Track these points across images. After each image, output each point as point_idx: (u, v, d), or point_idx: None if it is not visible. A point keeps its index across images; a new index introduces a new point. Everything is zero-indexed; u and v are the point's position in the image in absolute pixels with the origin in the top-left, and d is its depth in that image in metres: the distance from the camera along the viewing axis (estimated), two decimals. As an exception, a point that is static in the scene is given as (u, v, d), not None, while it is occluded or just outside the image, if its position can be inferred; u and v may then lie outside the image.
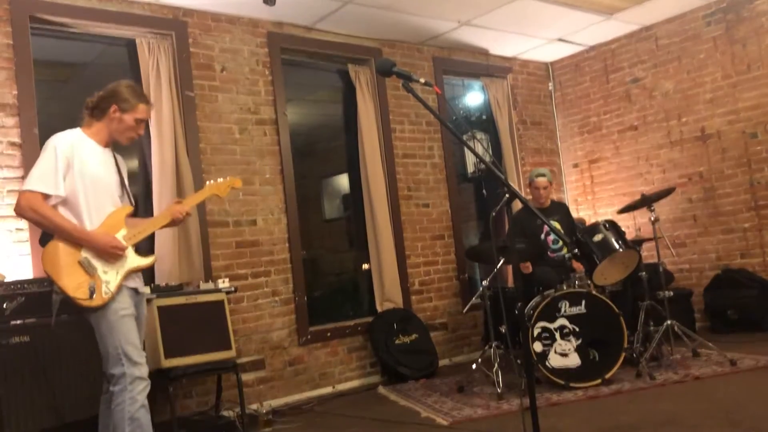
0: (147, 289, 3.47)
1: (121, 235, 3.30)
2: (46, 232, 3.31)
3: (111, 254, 3.22)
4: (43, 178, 3.16)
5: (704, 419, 3.75)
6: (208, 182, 3.75)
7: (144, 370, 3.20)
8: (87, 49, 5.27)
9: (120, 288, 3.23)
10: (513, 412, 4.34)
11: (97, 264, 3.20)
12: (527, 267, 5.50)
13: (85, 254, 3.18)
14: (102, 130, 3.39)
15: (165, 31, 5.30)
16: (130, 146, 5.36)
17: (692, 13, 6.90)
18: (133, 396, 3.13)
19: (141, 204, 5.25)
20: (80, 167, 3.24)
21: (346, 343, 5.97)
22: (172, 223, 3.52)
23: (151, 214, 5.04)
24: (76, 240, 3.17)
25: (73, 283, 3.11)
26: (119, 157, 3.56)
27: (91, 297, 3.11)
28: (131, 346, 3.18)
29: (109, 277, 3.21)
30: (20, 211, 3.16)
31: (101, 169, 3.34)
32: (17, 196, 3.20)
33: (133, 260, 3.33)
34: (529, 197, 6.19)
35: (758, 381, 4.52)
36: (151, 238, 5.04)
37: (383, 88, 6.59)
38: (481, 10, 6.25)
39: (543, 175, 5.86)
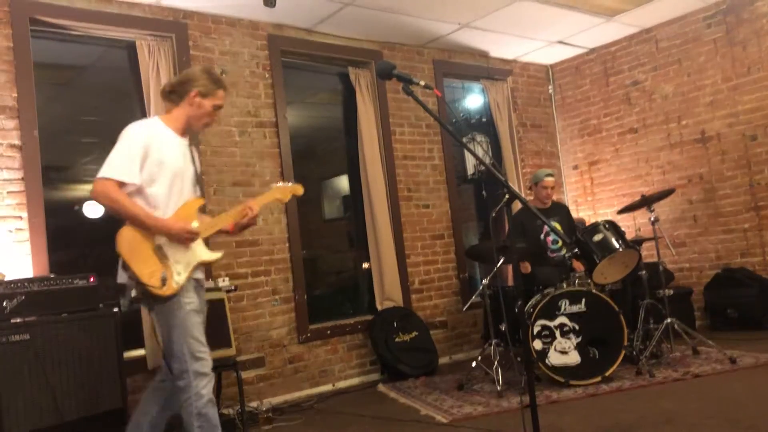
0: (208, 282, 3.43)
1: (193, 225, 3.25)
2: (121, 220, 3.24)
3: (184, 240, 3.18)
4: (120, 165, 3.13)
5: (704, 417, 3.75)
6: (273, 185, 3.70)
7: (207, 365, 3.17)
8: (87, 52, 5.30)
9: (188, 280, 3.19)
10: (513, 410, 4.34)
11: (170, 253, 3.17)
12: (526, 267, 5.51)
13: (158, 242, 3.15)
14: (180, 117, 3.35)
15: (165, 34, 5.33)
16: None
17: (692, 15, 6.92)
18: (198, 392, 3.10)
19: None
20: (158, 156, 3.20)
21: (346, 341, 5.98)
22: (239, 223, 3.48)
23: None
24: (150, 227, 3.13)
25: (147, 270, 3.08)
26: (194, 149, 3.53)
27: (163, 285, 3.08)
28: (195, 342, 3.15)
29: (180, 267, 3.18)
30: (96, 197, 3.13)
31: (178, 159, 3.30)
32: (93, 183, 3.15)
33: (203, 253, 3.30)
34: (530, 198, 6.21)
35: (758, 379, 4.52)
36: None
37: (383, 91, 6.61)
38: (482, 12, 6.27)
39: (551, 174, 5.93)
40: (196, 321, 3.20)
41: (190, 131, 3.44)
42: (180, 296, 3.14)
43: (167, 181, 3.23)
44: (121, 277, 3.17)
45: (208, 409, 3.12)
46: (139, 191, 3.18)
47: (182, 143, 3.36)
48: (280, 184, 3.70)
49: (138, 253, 3.10)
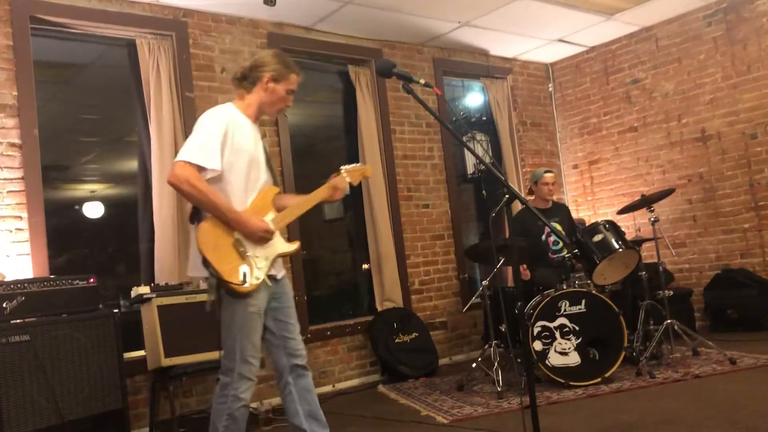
0: (284, 271, 3.28)
1: (269, 218, 3.15)
2: (198, 208, 3.07)
3: (261, 239, 3.08)
4: (201, 149, 2.97)
5: (704, 418, 3.75)
6: (342, 168, 3.52)
7: (253, 371, 3.09)
8: (87, 50, 5.29)
9: (266, 274, 3.10)
10: (513, 411, 4.35)
11: (249, 247, 3.05)
12: (526, 274, 5.50)
13: (238, 235, 3.03)
14: (253, 103, 3.23)
15: (165, 32, 5.31)
16: (129, 146, 5.43)
17: (692, 14, 6.91)
18: (237, 394, 3.03)
19: (141, 204, 5.27)
20: (236, 143, 3.08)
21: (346, 342, 5.98)
22: (329, 199, 3.39)
23: (150, 215, 5.06)
24: (229, 221, 2.99)
25: (228, 267, 2.96)
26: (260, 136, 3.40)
27: (244, 282, 2.97)
28: (250, 345, 3.06)
29: (260, 262, 3.07)
30: (175, 181, 2.93)
31: (253, 146, 3.18)
32: (172, 166, 2.98)
33: (281, 246, 3.20)
34: (530, 198, 6.19)
35: (758, 380, 4.51)
36: (151, 232, 5.07)
37: (383, 90, 6.60)
38: (482, 10, 6.26)
39: (550, 171, 5.96)
40: (257, 325, 3.10)
41: (261, 117, 3.32)
42: (248, 298, 3.03)
43: (245, 168, 3.11)
44: (195, 271, 3.07)
45: (240, 414, 3.06)
46: (217, 179, 3.03)
47: (254, 129, 3.25)
48: (348, 166, 3.54)
49: (219, 248, 2.97)
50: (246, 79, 3.22)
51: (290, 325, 3.27)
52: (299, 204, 3.33)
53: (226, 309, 3.05)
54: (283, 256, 3.24)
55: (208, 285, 3.02)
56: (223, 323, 3.08)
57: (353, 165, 3.57)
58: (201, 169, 2.96)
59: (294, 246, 3.28)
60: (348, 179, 3.50)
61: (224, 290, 3.00)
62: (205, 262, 2.94)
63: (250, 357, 3.07)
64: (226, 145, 3.03)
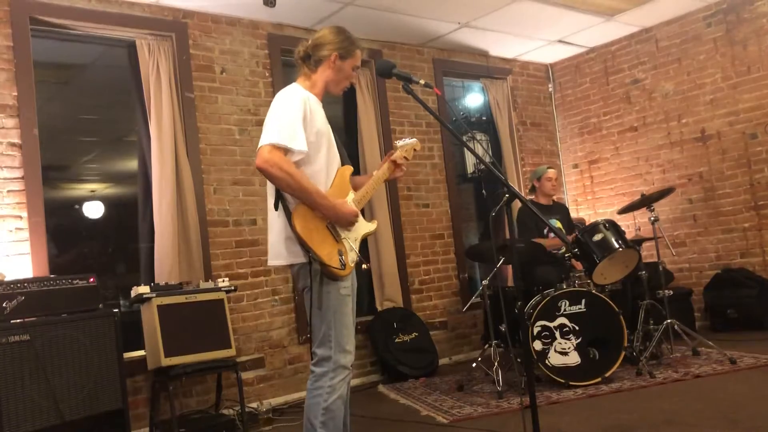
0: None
1: (350, 198, 3.06)
2: (281, 193, 2.95)
3: (350, 224, 2.99)
4: (285, 131, 2.85)
5: (704, 417, 3.75)
6: (396, 143, 3.36)
7: (350, 359, 2.96)
8: (87, 51, 5.29)
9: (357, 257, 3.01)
10: (513, 411, 4.35)
11: (340, 229, 2.97)
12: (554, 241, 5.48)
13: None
14: (319, 82, 3.10)
15: (165, 33, 5.32)
16: (129, 146, 5.44)
17: (692, 15, 6.91)
18: (333, 384, 2.89)
19: (141, 204, 5.27)
20: (315, 123, 2.97)
21: (346, 342, 5.97)
22: (392, 176, 3.28)
23: (150, 215, 5.07)
24: (318, 206, 2.88)
25: (326, 251, 2.87)
26: None
27: (342, 267, 2.89)
28: (346, 330, 2.95)
29: (350, 244, 2.99)
30: (266, 166, 2.80)
31: (326, 127, 3.07)
32: (258, 150, 2.84)
33: (364, 226, 3.12)
34: (531, 197, 6.20)
35: (758, 379, 4.51)
36: (151, 232, 5.08)
37: (383, 90, 6.60)
38: (481, 11, 6.26)
39: (553, 167, 5.99)
40: (350, 309, 3.00)
41: (323, 95, 3.17)
42: (341, 279, 2.94)
43: (325, 150, 3.02)
44: (278, 259, 2.99)
45: (337, 407, 2.90)
46: (301, 161, 2.92)
47: (321, 107, 3.11)
48: (401, 142, 3.38)
49: (315, 233, 2.88)
50: (310, 58, 3.12)
51: (349, 316, 3.09)
52: (372, 183, 3.23)
53: (319, 294, 2.92)
54: (367, 235, 3.16)
55: (300, 272, 2.97)
56: (314, 310, 2.94)
57: (405, 140, 3.43)
58: (287, 151, 2.85)
59: (374, 224, 3.21)
60: (404, 154, 3.35)
61: (323, 275, 2.89)
62: (306, 248, 2.85)
63: (347, 344, 2.96)
64: (307, 126, 2.93)
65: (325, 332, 2.91)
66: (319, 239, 2.88)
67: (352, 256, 2.98)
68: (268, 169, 2.80)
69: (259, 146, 2.86)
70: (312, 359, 2.97)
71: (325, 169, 3.01)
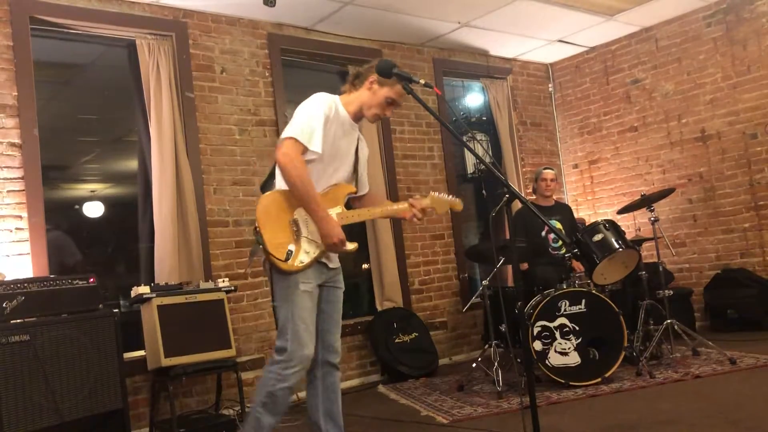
0: (338, 263, 3.18)
1: (335, 212, 3.13)
2: (271, 180, 3.12)
3: (332, 246, 3.06)
4: (307, 130, 2.99)
5: (704, 418, 3.74)
6: (433, 194, 3.44)
7: (305, 354, 3.01)
8: (87, 50, 5.29)
9: (312, 263, 3.06)
10: (513, 411, 4.34)
11: (305, 231, 3.04)
12: (524, 266, 5.53)
13: (296, 216, 3.04)
14: (354, 101, 3.23)
15: (165, 33, 5.32)
16: (129, 146, 5.44)
17: (692, 15, 6.91)
18: (283, 374, 2.97)
19: (141, 204, 5.27)
20: (330, 132, 3.08)
21: (346, 341, 5.97)
22: (403, 217, 3.34)
23: (150, 215, 5.06)
24: (312, 212, 3.02)
25: (276, 241, 2.97)
26: (363, 140, 3.39)
27: (286, 260, 2.96)
28: (302, 324, 3.01)
29: (309, 248, 3.04)
30: (285, 160, 2.94)
31: (344, 142, 3.19)
32: (281, 142, 2.99)
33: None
34: (531, 197, 6.21)
35: (758, 380, 4.51)
36: (151, 232, 5.08)
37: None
38: (482, 11, 6.26)
39: (550, 168, 6.03)
40: (309, 305, 3.06)
41: (360, 118, 3.28)
42: (297, 276, 3.01)
43: (330, 159, 3.12)
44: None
45: (281, 393, 2.98)
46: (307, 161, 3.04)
47: (352, 127, 3.25)
48: (437, 194, 3.45)
49: (274, 222, 3.00)
50: (357, 78, 3.25)
51: (333, 320, 3.27)
52: (371, 210, 3.33)
53: (278, 284, 3.04)
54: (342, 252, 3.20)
55: (253, 251, 3.09)
56: (277, 299, 3.07)
57: (443, 195, 3.47)
58: (303, 150, 2.99)
59: (353, 246, 3.19)
60: (431, 205, 3.41)
61: (268, 262, 3.01)
62: (257, 231, 2.98)
63: (304, 337, 3.01)
64: (324, 131, 3.04)
65: (284, 324, 3.01)
66: (273, 227, 3.00)
67: (303, 259, 3.02)
68: (287, 162, 2.94)
69: (282, 137, 2.99)
70: (274, 347, 3.08)
71: (318, 176, 3.08)
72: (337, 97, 3.23)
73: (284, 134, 3.00)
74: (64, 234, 5.01)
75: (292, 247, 3.00)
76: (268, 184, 3.16)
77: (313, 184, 3.01)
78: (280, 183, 3.08)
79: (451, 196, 3.52)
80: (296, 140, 2.96)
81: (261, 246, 2.97)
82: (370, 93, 3.21)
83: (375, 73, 3.16)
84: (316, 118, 3.03)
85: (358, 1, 5.69)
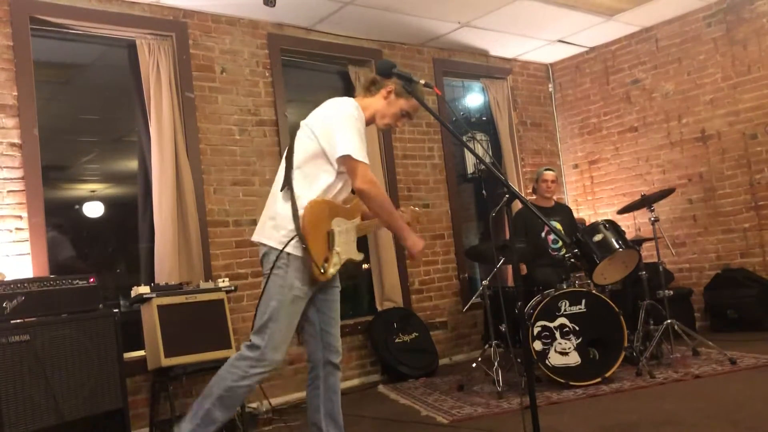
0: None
1: (356, 221, 3.20)
2: (293, 182, 3.02)
3: (415, 254, 3.19)
4: (363, 147, 2.97)
5: (704, 418, 3.74)
6: (411, 208, 3.73)
7: (276, 358, 2.96)
8: (87, 51, 5.29)
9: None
10: (513, 411, 4.34)
11: (337, 242, 3.05)
12: (522, 269, 5.52)
13: (333, 227, 3.04)
14: (369, 107, 3.19)
15: (165, 33, 5.32)
16: (129, 146, 5.44)
17: (692, 15, 6.91)
18: (247, 373, 2.91)
19: (141, 204, 5.27)
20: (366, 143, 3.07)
21: (346, 341, 5.96)
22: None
23: (150, 215, 5.06)
24: (396, 228, 3.13)
25: (318, 249, 2.95)
26: None
27: (322, 271, 2.96)
28: (283, 328, 2.95)
29: (337, 259, 3.06)
30: (370, 188, 2.97)
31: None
32: (351, 167, 2.95)
33: (354, 251, 3.23)
34: (532, 198, 6.22)
35: (758, 380, 4.51)
36: (151, 232, 5.08)
37: (383, 90, 6.59)
38: (482, 11, 6.26)
39: (550, 168, 6.05)
40: (296, 310, 3.01)
41: (370, 124, 3.25)
42: (296, 279, 2.97)
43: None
44: (264, 238, 3.02)
45: (239, 391, 2.93)
46: (333, 170, 3.03)
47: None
48: (415, 208, 3.80)
49: (318, 231, 2.96)
50: (374, 84, 3.23)
51: (333, 320, 3.24)
52: (369, 223, 3.39)
53: (274, 283, 2.96)
54: (352, 262, 3.24)
55: (266, 256, 2.99)
56: (264, 297, 2.98)
57: (414, 208, 3.84)
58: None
59: (360, 256, 3.29)
60: (409, 220, 3.56)
61: (290, 269, 2.94)
62: (302, 238, 2.91)
63: (280, 344, 2.97)
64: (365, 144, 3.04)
65: (264, 322, 2.94)
66: (316, 238, 2.95)
67: (332, 270, 3.04)
68: (371, 189, 2.97)
69: (345, 155, 2.93)
70: (246, 342, 3.00)
71: (341, 187, 3.09)
72: (357, 103, 3.16)
73: (350, 153, 2.93)
74: (59, 233, 5.01)
75: (326, 256, 3.01)
76: (287, 186, 3.03)
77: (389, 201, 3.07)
78: (303, 191, 2.99)
79: (418, 209, 3.81)
80: (365, 165, 2.95)
81: (302, 258, 2.93)
82: (386, 102, 3.20)
83: (393, 83, 3.16)
84: (361, 131, 3.01)
85: (358, 1, 5.70)
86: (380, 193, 3.02)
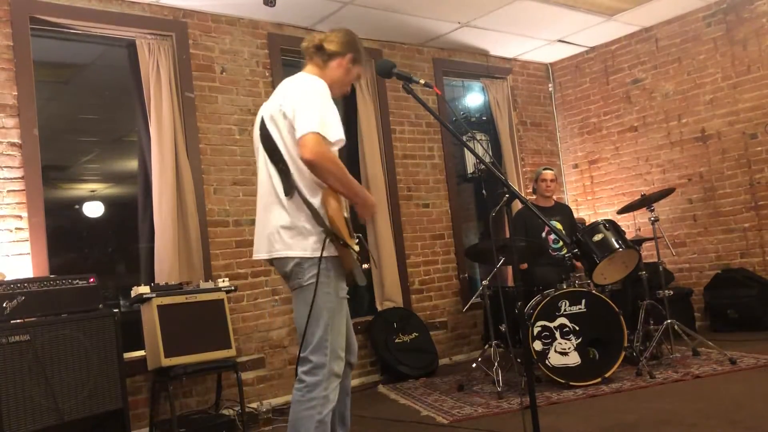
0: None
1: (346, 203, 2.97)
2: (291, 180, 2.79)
3: (371, 213, 2.95)
4: (324, 120, 2.69)
5: (704, 418, 3.75)
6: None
7: (342, 367, 2.81)
8: (87, 50, 5.29)
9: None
10: (513, 411, 4.35)
11: (351, 228, 2.86)
12: (523, 265, 5.54)
13: (347, 214, 2.86)
14: (327, 77, 2.95)
15: (165, 33, 5.32)
16: (129, 146, 5.44)
17: (692, 14, 6.91)
18: (327, 395, 2.71)
19: (141, 204, 5.27)
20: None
21: (346, 342, 5.97)
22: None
23: (150, 215, 5.06)
24: (358, 197, 2.83)
25: (351, 241, 2.76)
26: None
27: (364, 263, 2.81)
28: (340, 337, 2.79)
29: (354, 245, 2.85)
30: (316, 158, 2.64)
31: None
32: (302, 140, 2.65)
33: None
34: (532, 198, 6.22)
35: (758, 380, 4.51)
36: (151, 232, 5.08)
37: (383, 90, 6.60)
38: (482, 11, 6.26)
39: (549, 168, 6.05)
40: (345, 314, 2.85)
41: None
42: (339, 282, 2.81)
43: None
44: (293, 250, 2.78)
45: (329, 418, 2.71)
46: None
47: None
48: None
49: (344, 223, 2.76)
50: (322, 51, 2.98)
51: (349, 319, 3.00)
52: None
53: (322, 291, 2.73)
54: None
55: (296, 268, 2.77)
56: (313, 311, 2.73)
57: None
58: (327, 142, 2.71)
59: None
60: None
61: (332, 273, 2.77)
62: (339, 237, 2.70)
63: (341, 350, 2.81)
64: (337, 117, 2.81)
65: (322, 337, 2.73)
66: (348, 234, 2.76)
67: (356, 257, 2.85)
68: (319, 161, 2.65)
69: (300, 135, 2.67)
70: (302, 366, 2.75)
71: None
72: (313, 75, 2.94)
73: (304, 129, 2.67)
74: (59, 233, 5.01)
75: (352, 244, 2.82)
76: (294, 189, 2.79)
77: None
78: (307, 188, 2.78)
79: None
80: (320, 135, 2.66)
81: (343, 245, 2.74)
82: (344, 71, 3.02)
83: (350, 51, 3.00)
84: (330, 107, 2.78)
85: (358, 1, 5.70)
86: (332, 167, 2.70)
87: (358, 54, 3.04)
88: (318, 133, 2.66)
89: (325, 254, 2.73)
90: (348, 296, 2.91)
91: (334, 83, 2.99)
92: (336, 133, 2.74)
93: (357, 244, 2.88)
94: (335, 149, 2.79)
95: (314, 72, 2.99)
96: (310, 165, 2.68)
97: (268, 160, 2.87)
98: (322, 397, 2.70)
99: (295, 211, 2.78)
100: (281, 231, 2.80)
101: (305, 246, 2.76)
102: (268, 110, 2.94)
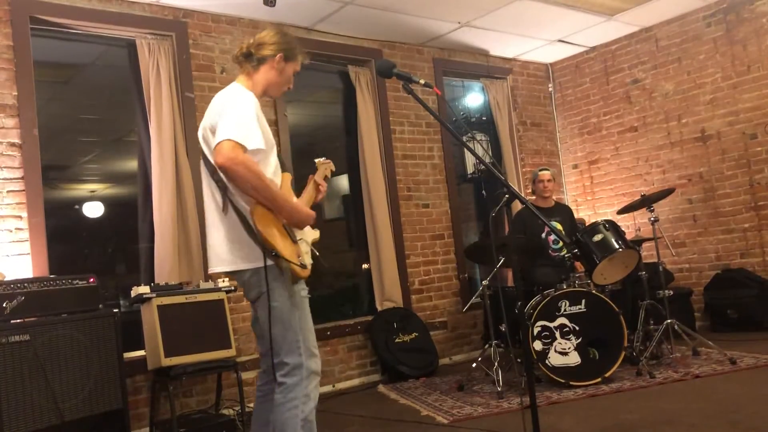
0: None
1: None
2: (233, 194, 2.78)
3: (305, 225, 2.92)
4: (242, 128, 2.66)
5: (704, 417, 3.75)
6: (317, 160, 3.38)
7: (319, 363, 2.86)
8: (87, 50, 5.29)
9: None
10: (513, 411, 4.35)
11: (296, 233, 2.87)
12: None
13: (284, 221, 2.83)
14: (260, 82, 2.94)
15: (165, 32, 5.31)
16: (129, 146, 5.43)
17: (692, 14, 6.91)
18: (308, 393, 2.75)
19: (141, 204, 5.27)
20: (263, 124, 2.81)
21: (346, 341, 5.98)
22: (316, 200, 3.21)
23: (150, 215, 5.06)
24: (281, 208, 2.77)
25: (288, 252, 2.73)
26: None
27: (304, 266, 2.79)
28: (311, 334, 2.84)
29: (305, 247, 2.89)
30: (229, 164, 2.59)
31: (269, 130, 2.90)
32: (217, 147, 2.63)
33: (310, 232, 3.04)
34: (532, 198, 6.22)
35: (758, 380, 4.51)
36: (151, 232, 5.08)
37: (383, 90, 6.60)
38: (482, 11, 6.26)
39: (546, 168, 6.03)
40: (308, 309, 2.88)
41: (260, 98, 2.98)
42: (298, 282, 2.84)
43: (273, 153, 2.90)
44: (222, 264, 2.81)
45: (313, 416, 2.75)
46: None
47: None
48: (320, 159, 3.40)
49: (278, 234, 2.73)
50: (251, 57, 2.95)
51: (310, 319, 2.98)
52: (306, 197, 3.18)
53: (280, 300, 2.77)
54: (316, 242, 3.10)
55: (252, 279, 2.78)
56: (277, 318, 2.75)
57: (322, 159, 3.42)
58: (244, 150, 2.66)
59: (318, 232, 3.14)
60: (324, 173, 3.33)
61: (284, 278, 2.77)
62: (270, 249, 2.69)
63: (314, 347, 2.86)
64: (259, 126, 2.77)
65: (292, 339, 2.77)
66: (281, 241, 2.75)
67: (307, 260, 2.89)
68: (231, 167, 2.60)
69: (216, 142, 2.65)
70: (280, 370, 2.77)
71: (273, 171, 2.88)
72: (239, 84, 2.92)
73: (220, 136, 2.65)
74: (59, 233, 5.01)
75: (298, 252, 2.83)
76: (229, 202, 2.81)
77: (267, 177, 2.75)
78: (239, 197, 2.79)
79: (324, 159, 3.42)
80: (236, 142, 2.63)
81: (282, 266, 2.75)
82: (277, 71, 2.97)
83: (279, 50, 2.95)
84: (248, 115, 2.73)
85: (358, 1, 5.69)
86: (245, 174, 2.63)
87: (289, 51, 3.00)
88: (232, 140, 2.63)
89: (270, 261, 2.74)
90: (309, 295, 2.95)
91: (270, 86, 2.99)
92: (255, 141, 2.70)
93: (299, 242, 2.88)
94: (257, 159, 2.75)
95: (244, 81, 2.97)
96: (223, 170, 2.67)
97: (210, 178, 2.87)
98: (303, 395, 2.74)
99: (235, 225, 2.79)
100: (227, 245, 2.82)
101: (253, 257, 2.76)
102: (201, 129, 2.93)
